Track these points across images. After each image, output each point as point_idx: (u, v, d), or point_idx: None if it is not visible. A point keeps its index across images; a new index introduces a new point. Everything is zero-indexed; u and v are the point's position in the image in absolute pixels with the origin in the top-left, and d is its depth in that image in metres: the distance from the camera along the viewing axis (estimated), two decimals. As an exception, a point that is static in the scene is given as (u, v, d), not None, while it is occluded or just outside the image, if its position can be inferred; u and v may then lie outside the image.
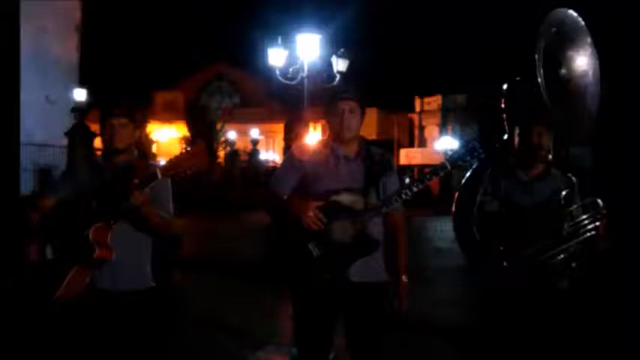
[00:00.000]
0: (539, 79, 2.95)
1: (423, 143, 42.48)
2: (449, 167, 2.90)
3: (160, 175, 2.90)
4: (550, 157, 3.26)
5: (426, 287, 7.91)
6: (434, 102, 41.85)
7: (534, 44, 2.98)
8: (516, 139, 3.31)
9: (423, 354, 5.13)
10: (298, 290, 3.13)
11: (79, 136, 16.28)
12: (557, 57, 3.14)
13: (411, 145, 43.77)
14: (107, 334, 3.05)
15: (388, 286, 3.13)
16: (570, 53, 3.19)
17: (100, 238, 2.94)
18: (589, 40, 3.21)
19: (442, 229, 16.43)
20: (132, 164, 3.11)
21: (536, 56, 2.97)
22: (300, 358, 3.17)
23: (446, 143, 33.59)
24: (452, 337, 5.74)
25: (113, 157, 3.17)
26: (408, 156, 40.16)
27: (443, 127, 40.47)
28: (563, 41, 3.16)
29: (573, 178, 3.27)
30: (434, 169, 2.93)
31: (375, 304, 3.06)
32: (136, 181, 2.90)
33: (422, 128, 43.15)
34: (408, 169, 34.56)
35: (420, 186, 2.93)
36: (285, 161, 3.34)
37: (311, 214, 2.91)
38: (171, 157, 2.93)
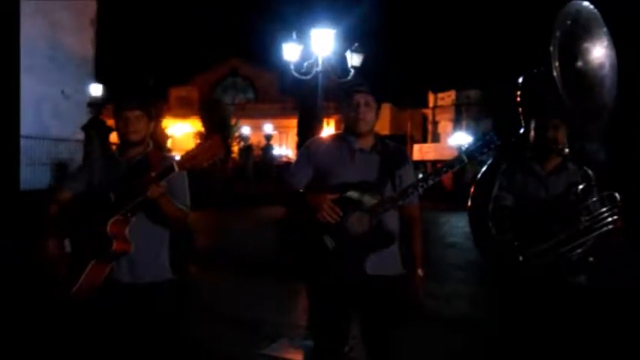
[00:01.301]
0: (555, 72, 2.92)
1: (436, 138, 42.24)
2: (466, 160, 2.86)
3: (176, 168, 2.92)
4: (566, 150, 3.24)
5: (439, 282, 7.91)
6: (447, 97, 41.60)
7: (550, 37, 2.95)
8: (532, 133, 3.29)
9: (437, 347, 5.12)
10: (313, 283, 3.13)
11: (95, 130, 16.34)
12: (573, 49, 3.11)
13: (424, 140, 43.52)
14: (125, 326, 3.08)
15: (403, 279, 3.12)
16: (586, 45, 3.15)
17: (118, 231, 2.97)
18: (605, 31, 3.17)
19: (455, 225, 16.40)
20: (148, 157, 3.13)
21: (552, 49, 2.94)
22: (315, 351, 3.17)
23: (459, 138, 33.38)
24: (465, 331, 5.74)
25: (129, 150, 3.19)
26: (421, 151, 39.95)
27: (456, 123, 40.23)
28: (579, 33, 3.12)
29: (590, 172, 3.23)
30: (450, 162, 2.90)
31: (390, 297, 3.05)
32: (153, 174, 2.92)
33: (435, 123, 42.92)
34: (421, 164, 34.41)
35: (437, 178, 2.91)
36: (300, 154, 3.32)
37: (326, 207, 2.90)
38: (187, 150, 2.95)
